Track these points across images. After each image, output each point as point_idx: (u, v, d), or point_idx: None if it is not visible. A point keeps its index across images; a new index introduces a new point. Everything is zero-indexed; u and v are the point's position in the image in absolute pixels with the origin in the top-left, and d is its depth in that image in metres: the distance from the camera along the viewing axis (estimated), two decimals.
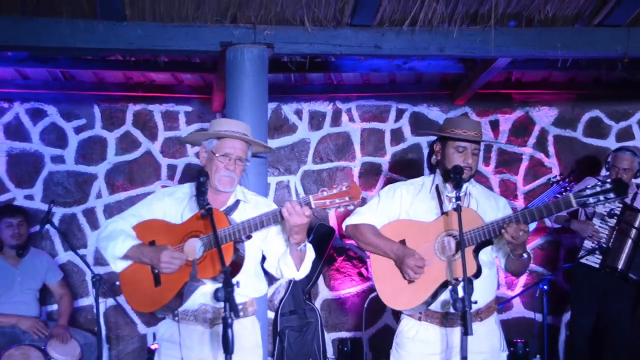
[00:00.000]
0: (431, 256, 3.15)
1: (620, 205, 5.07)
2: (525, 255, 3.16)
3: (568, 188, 5.31)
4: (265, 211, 2.96)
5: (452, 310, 2.93)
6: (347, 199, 2.82)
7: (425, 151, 5.87)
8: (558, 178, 5.51)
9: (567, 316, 6.01)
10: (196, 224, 3.03)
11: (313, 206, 2.85)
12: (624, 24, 4.44)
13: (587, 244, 5.14)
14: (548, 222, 5.45)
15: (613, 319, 5.26)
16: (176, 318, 3.12)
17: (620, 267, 5.07)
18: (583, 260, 5.11)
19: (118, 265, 3.15)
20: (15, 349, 4.65)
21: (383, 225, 3.34)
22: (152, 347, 5.56)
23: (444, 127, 3.31)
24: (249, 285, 3.11)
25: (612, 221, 5.10)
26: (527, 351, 5.69)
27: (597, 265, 5.13)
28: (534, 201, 5.60)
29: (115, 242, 3.08)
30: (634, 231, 5.05)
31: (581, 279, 5.29)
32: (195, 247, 2.98)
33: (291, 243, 2.99)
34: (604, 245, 5.02)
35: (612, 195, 2.91)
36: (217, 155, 3.11)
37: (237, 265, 2.97)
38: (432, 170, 3.40)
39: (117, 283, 3.22)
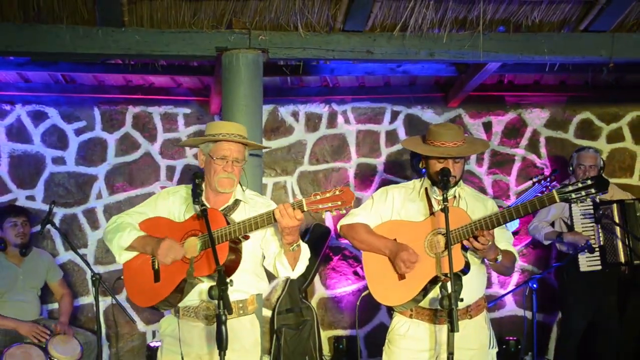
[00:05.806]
0: (421, 253, 3.23)
1: (592, 204, 5.08)
2: (499, 259, 3.19)
3: (550, 187, 5.34)
4: (261, 212, 3.02)
5: (439, 307, 3.03)
6: (339, 202, 2.86)
7: None
8: (540, 177, 5.51)
9: (558, 314, 6.08)
10: (195, 223, 3.11)
11: (305, 209, 2.89)
12: (609, 29, 4.54)
13: (583, 253, 5.06)
14: (540, 238, 5.46)
15: (606, 316, 5.27)
16: (177, 314, 3.19)
17: (623, 260, 5.03)
18: (585, 268, 5.06)
19: (123, 257, 3.23)
20: (17, 348, 4.70)
21: (376, 226, 3.43)
22: (152, 344, 5.64)
23: (426, 139, 3.38)
24: (248, 283, 3.18)
25: (592, 222, 5.10)
26: (519, 348, 5.74)
27: (599, 267, 5.07)
28: (516, 201, 5.63)
29: (121, 234, 3.18)
30: (617, 223, 5.03)
31: (572, 279, 5.24)
32: (194, 246, 3.06)
33: (283, 243, 3.05)
34: (600, 244, 5.01)
35: (593, 190, 2.95)
36: (214, 158, 3.17)
37: (233, 264, 3.03)
38: (416, 173, 3.50)
39: (121, 277, 3.28)
